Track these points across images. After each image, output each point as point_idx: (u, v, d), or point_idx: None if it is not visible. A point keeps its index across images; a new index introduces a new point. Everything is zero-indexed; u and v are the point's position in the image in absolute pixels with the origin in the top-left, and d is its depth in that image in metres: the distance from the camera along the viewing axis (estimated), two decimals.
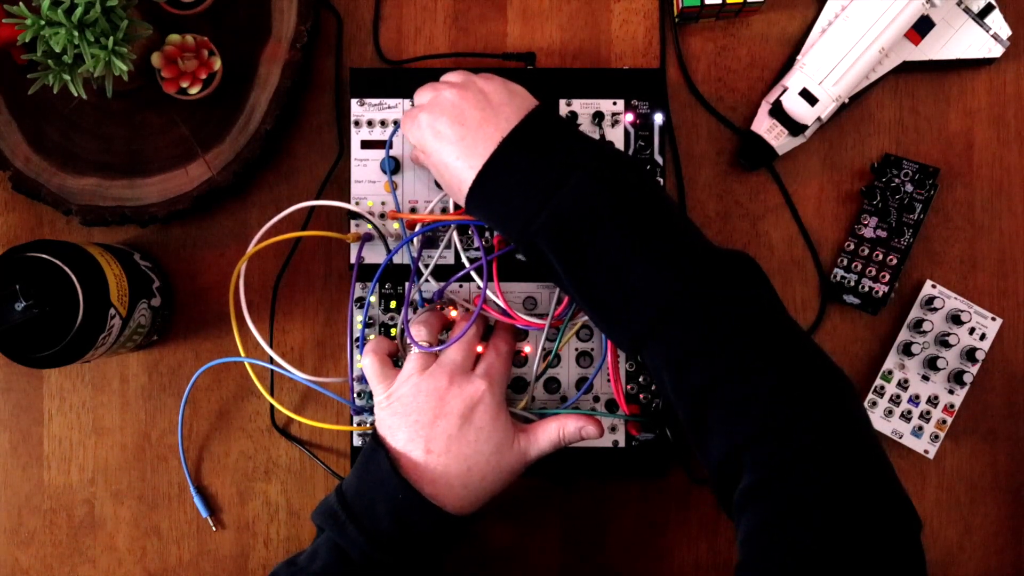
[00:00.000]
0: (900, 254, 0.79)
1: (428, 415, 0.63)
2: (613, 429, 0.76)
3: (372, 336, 0.74)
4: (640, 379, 0.76)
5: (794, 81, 0.77)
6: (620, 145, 0.76)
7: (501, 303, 0.71)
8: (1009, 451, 0.81)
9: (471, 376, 0.66)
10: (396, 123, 0.77)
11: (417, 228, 0.74)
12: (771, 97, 0.79)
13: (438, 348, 0.67)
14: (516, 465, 0.66)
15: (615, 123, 0.77)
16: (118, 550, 0.82)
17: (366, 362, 0.68)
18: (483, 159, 0.61)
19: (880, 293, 0.80)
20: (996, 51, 0.79)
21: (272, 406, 0.81)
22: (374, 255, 0.76)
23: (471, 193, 0.62)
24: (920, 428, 0.79)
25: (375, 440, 0.65)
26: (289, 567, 0.64)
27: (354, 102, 0.77)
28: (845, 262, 0.80)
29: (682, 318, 0.57)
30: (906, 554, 0.52)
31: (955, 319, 0.79)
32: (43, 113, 0.78)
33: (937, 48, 0.79)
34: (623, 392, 0.76)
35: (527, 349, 0.76)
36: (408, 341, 0.69)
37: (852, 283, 0.80)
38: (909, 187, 0.79)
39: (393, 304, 0.76)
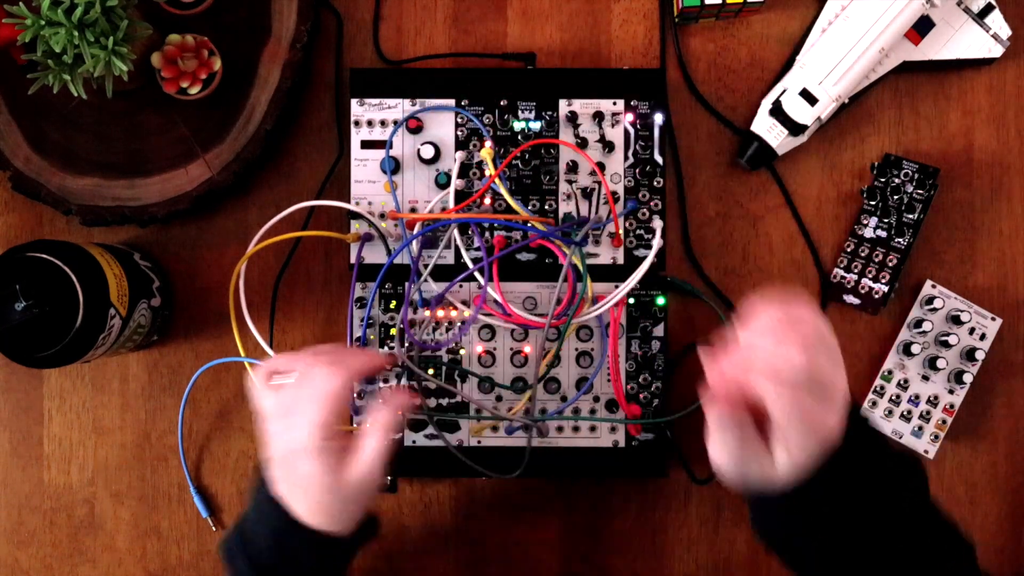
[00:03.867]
0: (900, 254, 0.79)
1: (268, 451, 0.62)
2: (613, 429, 0.76)
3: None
4: (640, 379, 0.76)
5: (794, 81, 0.77)
6: (620, 145, 0.76)
7: (501, 303, 0.71)
8: (1009, 451, 0.81)
9: (293, 420, 0.61)
10: (396, 123, 0.77)
11: (418, 228, 0.74)
12: (771, 97, 0.79)
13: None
14: (356, 491, 0.62)
15: (615, 123, 0.77)
16: (118, 550, 0.82)
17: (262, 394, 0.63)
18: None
19: (880, 293, 0.80)
20: (996, 51, 0.79)
21: None
22: (374, 255, 0.76)
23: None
24: (920, 428, 0.79)
25: (258, 467, 0.64)
26: None
27: (354, 102, 0.77)
28: (845, 262, 0.80)
29: None
30: None
31: (955, 319, 0.79)
32: (43, 113, 0.77)
33: (937, 48, 0.79)
34: (623, 392, 0.76)
35: (527, 349, 0.76)
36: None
37: (852, 283, 0.80)
38: (909, 187, 0.79)
39: (393, 304, 0.76)
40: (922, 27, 0.78)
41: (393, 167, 0.76)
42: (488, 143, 0.75)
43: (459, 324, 0.76)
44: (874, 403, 0.79)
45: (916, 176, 0.79)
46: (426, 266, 0.74)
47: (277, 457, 0.61)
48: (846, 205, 0.81)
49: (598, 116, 0.76)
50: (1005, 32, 0.78)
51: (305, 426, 0.59)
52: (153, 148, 0.78)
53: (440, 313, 0.76)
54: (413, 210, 0.76)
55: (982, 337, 0.79)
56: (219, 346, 0.82)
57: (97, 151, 0.78)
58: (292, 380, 0.62)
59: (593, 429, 0.76)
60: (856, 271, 0.80)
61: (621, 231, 0.76)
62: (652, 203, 0.77)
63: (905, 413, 0.79)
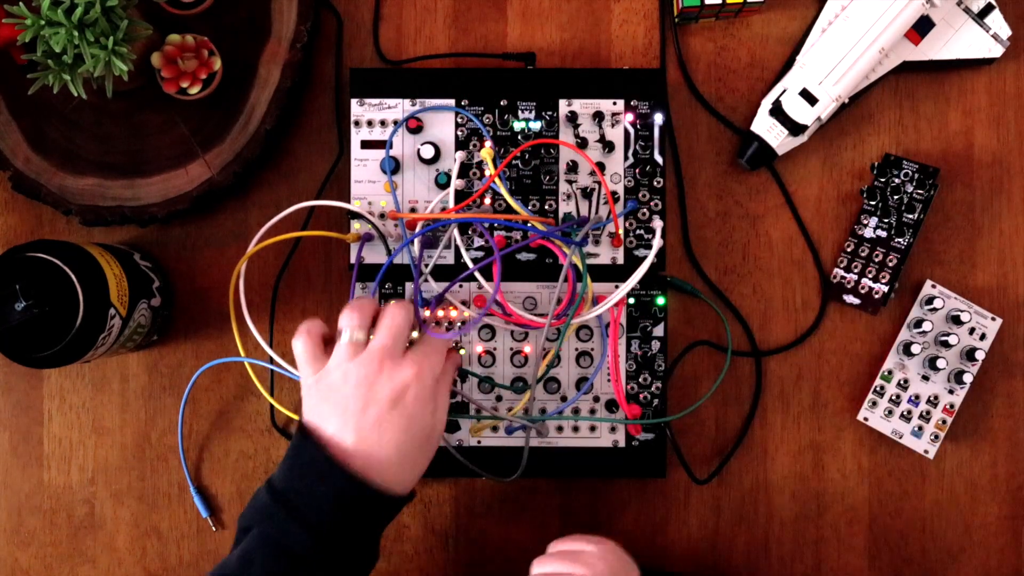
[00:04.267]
0: (900, 254, 0.79)
1: (359, 403, 0.62)
2: (613, 429, 0.76)
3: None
4: (640, 379, 0.76)
5: (794, 81, 0.77)
6: (620, 145, 0.77)
7: (501, 303, 0.71)
8: (1009, 451, 0.81)
9: (401, 361, 0.63)
10: (396, 123, 0.77)
11: (419, 228, 0.74)
12: (771, 97, 0.79)
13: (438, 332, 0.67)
14: (437, 441, 0.66)
15: (615, 123, 0.77)
16: (118, 550, 0.82)
17: (298, 342, 0.65)
18: None
19: (880, 293, 0.80)
20: (996, 51, 0.79)
21: (272, 406, 0.81)
22: (374, 255, 0.76)
23: None
24: (920, 428, 0.79)
25: (303, 431, 0.63)
26: None
27: (354, 102, 0.77)
28: (845, 262, 0.80)
29: None
30: None
31: (955, 319, 0.79)
32: (43, 113, 0.78)
33: (937, 48, 0.79)
34: (623, 392, 0.76)
35: (527, 349, 0.76)
36: (341, 325, 0.66)
37: (852, 283, 0.80)
38: (909, 187, 0.79)
39: None
40: (922, 27, 0.78)
41: (393, 167, 0.76)
42: (488, 143, 0.75)
43: (459, 324, 0.76)
44: (874, 403, 0.79)
45: (916, 176, 0.79)
46: (427, 266, 0.74)
47: (385, 400, 0.62)
48: (846, 205, 0.81)
49: (598, 116, 0.76)
50: (1005, 32, 0.78)
51: (429, 372, 0.64)
52: (153, 148, 0.78)
53: (451, 312, 0.76)
54: (413, 210, 0.76)
55: (982, 337, 0.79)
56: (219, 346, 0.82)
57: (97, 151, 0.78)
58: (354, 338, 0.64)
59: (593, 429, 0.76)
60: (856, 271, 0.80)
61: (621, 231, 0.76)
62: (652, 203, 0.77)
63: (905, 413, 0.79)
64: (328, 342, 0.67)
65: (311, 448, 0.61)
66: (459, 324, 0.76)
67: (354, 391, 0.62)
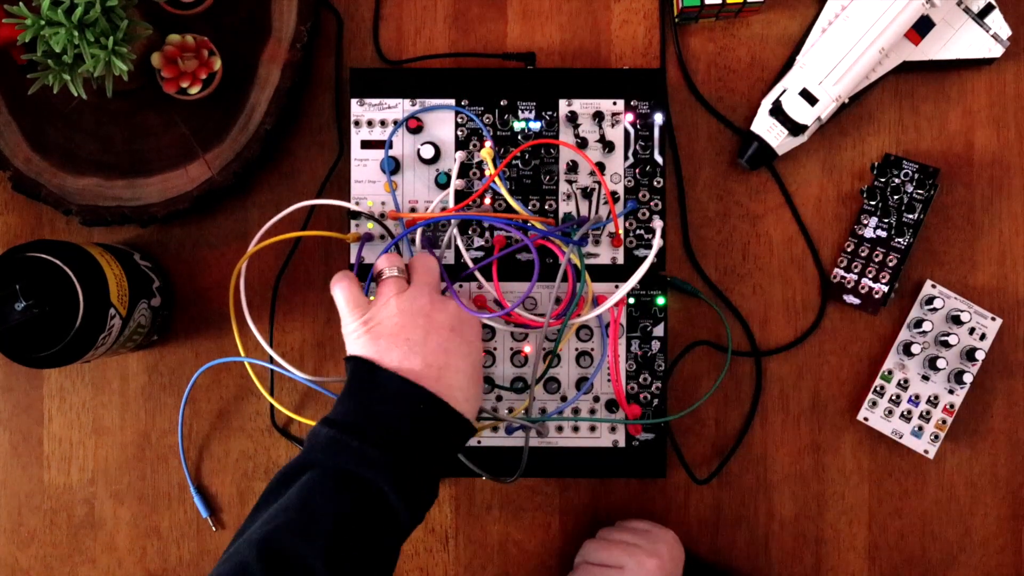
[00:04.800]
0: (900, 254, 0.79)
1: (419, 332, 0.63)
2: (613, 429, 0.76)
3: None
4: (640, 379, 0.76)
5: (794, 81, 0.77)
6: (620, 145, 0.76)
7: (501, 303, 0.71)
8: (1009, 451, 0.81)
9: (445, 297, 0.67)
10: (396, 123, 0.77)
11: (416, 223, 0.74)
12: (771, 97, 0.79)
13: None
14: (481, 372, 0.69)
15: (615, 123, 0.77)
16: (118, 550, 0.82)
17: (339, 288, 0.67)
18: None
19: (880, 293, 0.80)
20: (996, 51, 0.79)
21: (272, 406, 0.81)
22: (374, 255, 0.76)
23: None
24: (920, 428, 0.79)
25: (365, 364, 0.62)
26: (272, 531, 0.56)
27: (354, 102, 0.77)
28: (845, 262, 0.80)
29: None
30: None
31: (955, 319, 0.79)
32: (43, 113, 0.77)
33: (937, 48, 0.79)
34: (623, 392, 0.76)
35: (527, 349, 0.76)
36: (378, 268, 0.68)
37: (852, 283, 0.80)
38: (909, 187, 0.79)
39: None
40: (922, 27, 0.78)
41: (393, 167, 0.76)
42: (488, 143, 0.75)
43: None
44: (874, 403, 0.79)
45: (916, 176, 0.79)
46: None
47: (447, 326, 0.64)
48: (846, 205, 0.81)
49: (598, 116, 0.76)
50: (1005, 32, 0.78)
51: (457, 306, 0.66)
52: (153, 148, 0.78)
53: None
54: (413, 210, 0.76)
55: (982, 337, 0.79)
56: (219, 346, 0.82)
57: (97, 151, 0.78)
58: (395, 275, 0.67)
59: (593, 429, 0.76)
60: (856, 271, 0.80)
61: (621, 231, 0.76)
62: (652, 203, 0.77)
63: (905, 413, 0.79)
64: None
65: (382, 377, 0.61)
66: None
67: (412, 320, 0.63)
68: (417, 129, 0.76)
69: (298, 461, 0.60)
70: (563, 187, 0.76)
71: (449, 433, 0.63)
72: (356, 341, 0.65)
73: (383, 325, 0.64)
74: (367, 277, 0.74)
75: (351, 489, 0.58)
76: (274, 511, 0.58)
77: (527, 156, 0.76)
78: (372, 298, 0.67)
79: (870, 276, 0.80)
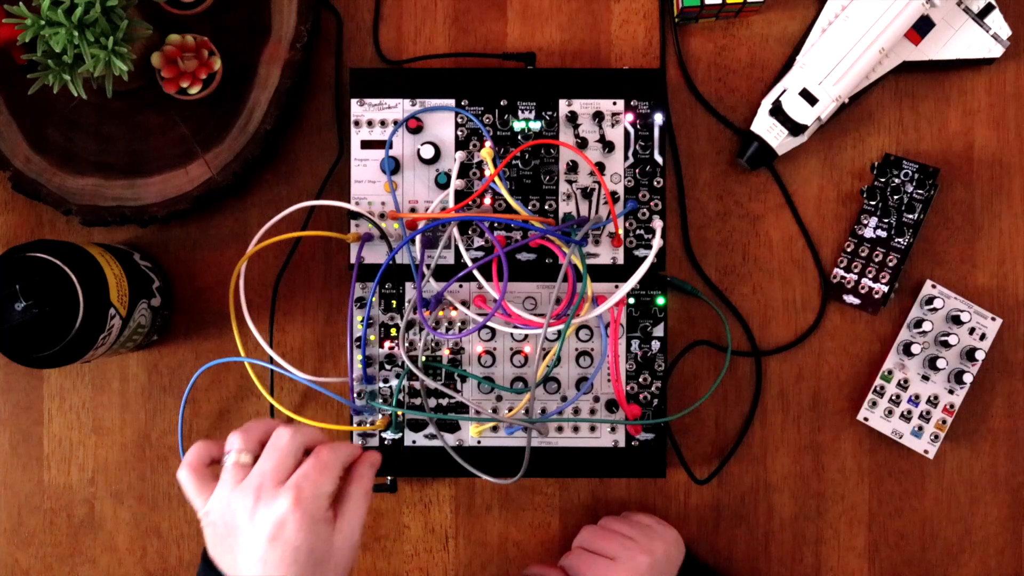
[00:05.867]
0: (900, 254, 0.79)
1: (239, 539, 0.58)
2: (613, 429, 0.76)
3: (194, 445, 0.63)
4: (640, 379, 0.76)
5: (794, 81, 0.77)
6: (620, 145, 0.76)
7: (501, 303, 0.71)
8: (1009, 451, 0.81)
9: (279, 491, 0.58)
10: (396, 123, 0.77)
11: (419, 227, 0.74)
12: (771, 97, 0.79)
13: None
14: (347, 557, 0.60)
15: (615, 123, 0.77)
16: (118, 550, 0.82)
17: (181, 474, 0.61)
18: None
19: (880, 293, 0.80)
20: (996, 51, 0.79)
21: (272, 406, 0.81)
22: (374, 255, 0.76)
23: None
24: (920, 428, 0.79)
25: (204, 561, 0.60)
26: None
27: (354, 102, 0.77)
28: (845, 262, 0.80)
29: None
30: None
31: (955, 319, 0.79)
32: (43, 113, 0.77)
33: (937, 48, 0.79)
34: (623, 392, 0.76)
35: (527, 349, 0.76)
36: (227, 448, 0.62)
37: (852, 283, 0.80)
38: (909, 187, 0.79)
39: (393, 304, 0.76)
40: (922, 27, 0.78)
41: (393, 167, 0.76)
42: (488, 143, 0.75)
43: (458, 324, 0.76)
44: (874, 403, 0.79)
45: (916, 176, 0.79)
46: (428, 266, 0.74)
47: (264, 535, 0.57)
48: (846, 205, 0.81)
49: (598, 116, 0.76)
50: (1005, 32, 0.78)
51: (312, 496, 0.58)
52: (153, 148, 0.78)
53: (451, 312, 0.76)
54: (413, 210, 0.76)
55: (982, 337, 0.79)
56: (219, 346, 0.82)
57: (97, 151, 0.78)
58: (240, 460, 0.60)
59: (593, 429, 0.76)
60: (856, 271, 0.80)
61: (621, 231, 0.76)
62: (652, 203, 0.77)
63: (905, 413, 0.79)
64: (216, 462, 0.63)
65: None
66: (459, 325, 0.76)
67: (235, 526, 0.58)
68: (417, 129, 0.76)
69: None
70: (563, 187, 0.76)
71: None
72: (204, 532, 0.61)
73: (215, 524, 0.59)
74: (369, 276, 0.74)
75: None
76: None
77: (527, 156, 0.76)
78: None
79: (870, 276, 0.80)
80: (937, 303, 0.78)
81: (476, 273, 0.72)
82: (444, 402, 0.76)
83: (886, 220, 0.79)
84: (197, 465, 0.61)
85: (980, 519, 0.81)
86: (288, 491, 0.58)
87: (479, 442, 0.76)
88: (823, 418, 0.81)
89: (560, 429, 0.76)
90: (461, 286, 0.76)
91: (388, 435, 0.76)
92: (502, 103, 0.76)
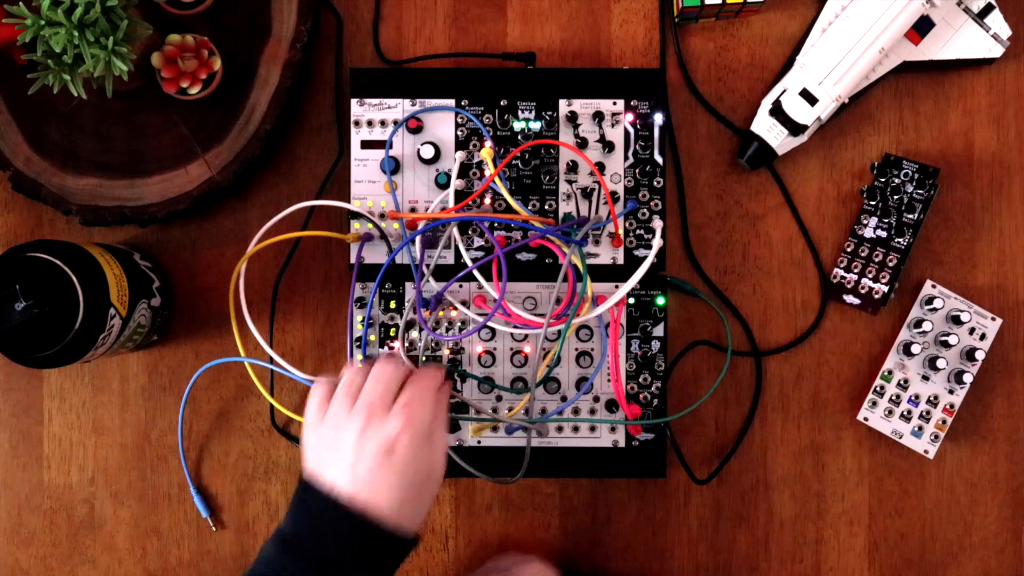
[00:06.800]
0: (900, 254, 0.79)
1: (351, 454, 0.63)
2: (613, 429, 0.76)
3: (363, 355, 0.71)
4: (640, 379, 0.76)
5: (794, 81, 0.77)
6: (620, 145, 0.76)
7: (501, 303, 0.71)
8: (1009, 451, 0.81)
9: (389, 414, 0.64)
10: (396, 123, 0.77)
11: (419, 227, 0.74)
12: (771, 97, 0.79)
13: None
14: (441, 475, 0.66)
15: (615, 123, 0.77)
16: (118, 550, 0.82)
17: (316, 387, 0.67)
18: None
19: (880, 293, 0.80)
20: (996, 51, 0.79)
21: (272, 406, 0.81)
22: (374, 255, 0.76)
23: None
24: (920, 428, 0.79)
25: (304, 480, 0.64)
26: None
27: (354, 102, 0.77)
28: (845, 262, 0.80)
29: None
30: None
31: (955, 319, 0.79)
32: (43, 113, 0.78)
33: (937, 48, 0.79)
34: (623, 392, 0.76)
35: (527, 349, 0.76)
36: (341, 374, 0.67)
37: (852, 283, 0.80)
38: (909, 187, 0.79)
39: (393, 304, 0.76)
40: (922, 27, 0.78)
41: (393, 167, 0.76)
42: (488, 143, 0.75)
43: (458, 324, 0.76)
44: (874, 403, 0.79)
45: (916, 176, 0.79)
46: (428, 266, 0.74)
47: (377, 452, 0.62)
48: (846, 205, 0.81)
49: (598, 116, 0.76)
50: (1005, 32, 0.78)
51: (420, 418, 0.64)
52: (153, 148, 0.78)
53: (451, 312, 0.76)
54: (413, 210, 0.76)
55: (982, 337, 0.79)
56: (219, 346, 0.82)
57: (97, 151, 0.78)
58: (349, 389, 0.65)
59: (593, 429, 0.76)
60: (856, 271, 0.80)
61: (621, 231, 0.76)
62: (652, 203, 0.77)
63: (905, 413, 0.79)
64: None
65: (314, 493, 0.62)
66: (458, 325, 0.76)
67: (347, 442, 0.63)
68: (417, 129, 0.76)
69: (252, 572, 0.62)
70: (563, 187, 0.76)
71: (379, 552, 0.62)
72: (306, 440, 0.66)
73: (325, 437, 0.64)
74: (369, 276, 0.74)
75: None
76: None
77: (527, 156, 0.76)
78: None
79: (870, 276, 0.80)
80: (937, 303, 0.78)
81: (476, 273, 0.72)
82: None
83: (886, 220, 0.79)
84: (332, 387, 0.67)
85: (980, 519, 0.81)
86: (398, 413, 0.64)
87: (479, 442, 0.76)
88: (823, 418, 0.81)
89: (560, 429, 0.76)
90: (461, 286, 0.76)
91: None
92: (502, 103, 0.76)
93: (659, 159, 0.77)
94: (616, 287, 0.75)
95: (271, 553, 0.62)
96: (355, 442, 0.63)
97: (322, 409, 0.66)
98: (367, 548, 0.61)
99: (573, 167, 0.76)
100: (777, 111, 0.77)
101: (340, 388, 0.66)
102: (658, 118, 0.76)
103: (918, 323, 0.79)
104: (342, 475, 0.62)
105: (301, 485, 0.64)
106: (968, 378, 0.78)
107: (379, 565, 0.63)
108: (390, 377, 0.66)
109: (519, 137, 0.77)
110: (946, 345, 0.79)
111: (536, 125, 0.77)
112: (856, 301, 0.80)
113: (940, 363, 0.78)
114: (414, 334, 0.77)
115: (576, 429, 0.76)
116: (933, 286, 0.80)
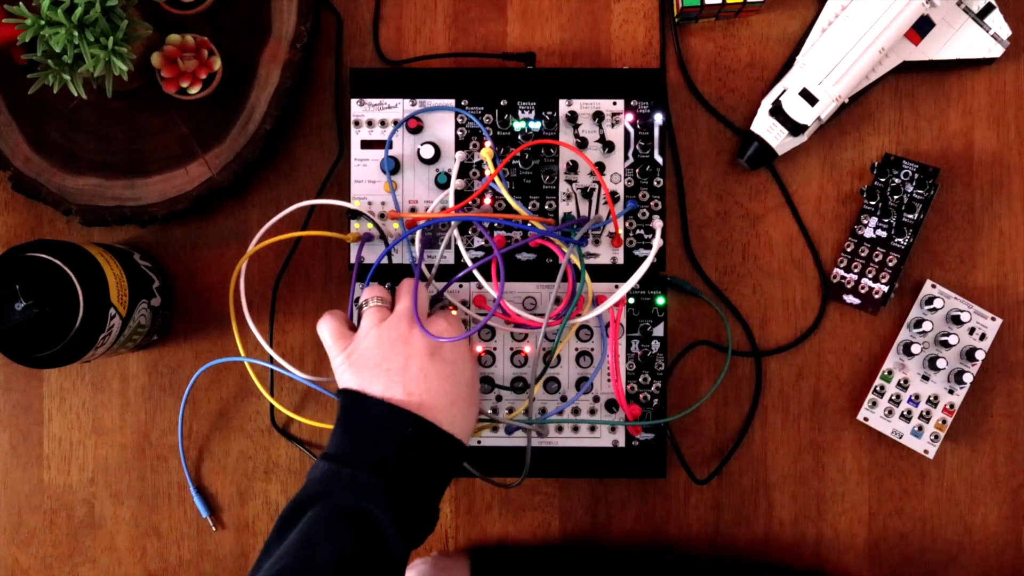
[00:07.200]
0: (900, 254, 0.79)
1: (399, 359, 0.63)
2: (613, 429, 0.76)
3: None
4: (640, 379, 0.76)
5: (794, 81, 0.77)
6: (620, 145, 0.76)
7: (500, 303, 0.71)
8: (1009, 451, 0.81)
9: (428, 320, 0.67)
10: (396, 123, 0.77)
11: (417, 224, 0.74)
12: (771, 97, 0.79)
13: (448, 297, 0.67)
14: (478, 381, 0.69)
15: (615, 123, 0.77)
16: (118, 550, 0.82)
17: (323, 324, 0.68)
18: None
19: (880, 293, 0.80)
20: (996, 51, 0.79)
21: (272, 406, 0.81)
22: (374, 255, 0.76)
23: None
24: (920, 428, 0.79)
25: (352, 395, 0.64)
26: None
27: (354, 102, 0.77)
28: (845, 262, 0.80)
29: None
30: None
31: (955, 319, 0.79)
32: (43, 113, 0.78)
33: (937, 48, 0.79)
34: (623, 392, 0.76)
35: (527, 349, 0.76)
36: (362, 300, 0.69)
37: (852, 283, 0.80)
38: (909, 187, 0.79)
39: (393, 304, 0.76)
40: (922, 27, 0.78)
41: (393, 167, 0.76)
42: (488, 143, 0.75)
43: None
44: (874, 403, 0.79)
45: (916, 176, 0.79)
46: (429, 267, 0.74)
47: (424, 353, 0.64)
48: (846, 205, 0.81)
49: (598, 116, 0.76)
50: (1005, 32, 0.78)
51: (459, 322, 0.68)
52: (153, 148, 0.78)
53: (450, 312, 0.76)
54: (413, 210, 0.76)
55: (982, 337, 0.79)
56: (219, 346, 0.82)
57: (97, 151, 0.78)
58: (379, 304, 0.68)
59: (593, 429, 0.76)
60: (856, 271, 0.80)
61: (621, 231, 0.76)
62: (652, 203, 0.77)
63: (905, 413, 0.79)
64: (351, 329, 0.69)
65: (366, 405, 0.62)
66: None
67: (391, 350, 0.64)
68: (417, 129, 0.76)
69: (299, 498, 0.60)
70: (563, 187, 0.76)
71: (439, 455, 0.63)
72: (343, 375, 0.66)
73: (364, 356, 0.65)
74: (365, 275, 0.74)
75: (348, 522, 0.58)
76: (276, 557, 0.58)
77: (527, 156, 0.76)
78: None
79: (870, 276, 0.80)
80: (937, 303, 0.78)
81: (476, 273, 0.72)
82: None
83: (886, 220, 0.79)
84: (341, 317, 0.68)
85: (980, 519, 0.81)
86: (437, 320, 0.67)
87: (479, 442, 0.76)
88: (823, 418, 0.81)
89: (560, 429, 0.76)
90: (461, 286, 0.76)
91: None
92: (502, 103, 0.76)
93: (659, 159, 0.77)
94: (616, 287, 0.75)
95: (322, 470, 0.60)
96: (402, 346, 0.64)
97: (344, 338, 0.66)
98: (426, 445, 0.61)
99: (573, 167, 0.76)
100: (777, 111, 0.77)
101: (371, 305, 0.67)
102: (658, 118, 0.76)
103: (918, 323, 0.79)
104: (391, 384, 0.63)
105: (349, 401, 0.63)
106: (968, 378, 0.78)
107: (436, 467, 0.63)
108: (421, 290, 0.68)
109: (519, 137, 0.77)
110: (946, 345, 0.79)
111: (536, 125, 0.77)
112: (856, 301, 0.80)
113: (940, 363, 0.78)
114: None
115: (576, 429, 0.76)
116: (933, 286, 0.80)
